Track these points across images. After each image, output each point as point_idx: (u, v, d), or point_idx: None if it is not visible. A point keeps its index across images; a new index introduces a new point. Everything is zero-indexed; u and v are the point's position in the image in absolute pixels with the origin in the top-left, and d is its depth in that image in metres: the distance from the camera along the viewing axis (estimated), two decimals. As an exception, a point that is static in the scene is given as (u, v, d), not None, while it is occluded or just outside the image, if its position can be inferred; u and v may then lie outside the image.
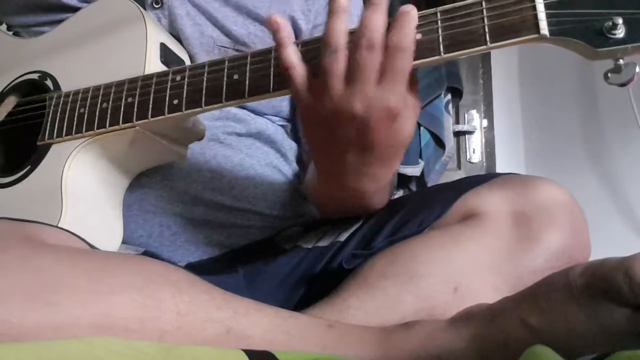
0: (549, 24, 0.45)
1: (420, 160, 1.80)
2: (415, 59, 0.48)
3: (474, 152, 1.95)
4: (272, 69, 0.53)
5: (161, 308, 0.42)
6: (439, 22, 0.48)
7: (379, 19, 0.46)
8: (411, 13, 0.46)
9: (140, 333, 0.40)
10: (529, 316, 0.42)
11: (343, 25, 0.47)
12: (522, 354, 0.37)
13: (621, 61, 0.45)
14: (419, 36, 0.48)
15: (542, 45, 0.47)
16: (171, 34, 0.71)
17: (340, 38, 0.47)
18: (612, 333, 0.39)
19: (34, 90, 0.70)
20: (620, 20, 0.44)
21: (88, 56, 0.68)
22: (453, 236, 0.57)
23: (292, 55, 0.49)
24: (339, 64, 0.47)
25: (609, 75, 0.45)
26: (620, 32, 0.44)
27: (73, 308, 0.39)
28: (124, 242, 0.68)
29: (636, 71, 0.44)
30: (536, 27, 0.46)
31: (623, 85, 0.45)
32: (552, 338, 0.40)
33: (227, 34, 0.73)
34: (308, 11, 0.75)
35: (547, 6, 0.46)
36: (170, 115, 0.58)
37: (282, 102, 0.78)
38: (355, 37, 0.46)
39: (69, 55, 0.69)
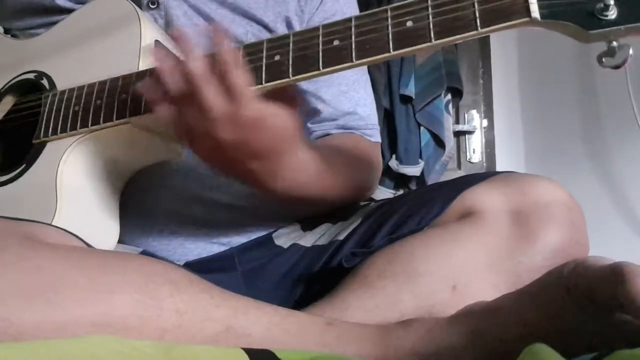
0: (540, 7, 0.45)
1: (420, 160, 1.80)
2: (406, 46, 0.48)
3: (474, 152, 1.95)
4: (264, 61, 0.53)
5: (161, 307, 0.42)
6: (430, 8, 0.48)
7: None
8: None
9: (139, 332, 0.41)
10: (527, 314, 0.42)
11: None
12: (520, 351, 0.37)
13: (614, 43, 0.43)
14: (409, 23, 0.48)
15: (537, 34, 0.46)
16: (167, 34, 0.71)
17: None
18: (607, 331, 0.39)
19: (31, 90, 0.70)
20: (611, 1, 0.43)
21: (83, 55, 0.68)
22: (452, 234, 0.57)
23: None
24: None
25: (603, 58, 0.44)
26: (612, 14, 0.43)
27: (73, 307, 0.39)
28: (122, 241, 0.68)
29: (630, 53, 0.43)
30: (527, 11, 0.45)
31: (617, 67, 0.43)
32: (550, 336, 0.40)
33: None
34: (301, 12, 0.75)
35: None
36: None
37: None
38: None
39: (65, 54, 0.69)
